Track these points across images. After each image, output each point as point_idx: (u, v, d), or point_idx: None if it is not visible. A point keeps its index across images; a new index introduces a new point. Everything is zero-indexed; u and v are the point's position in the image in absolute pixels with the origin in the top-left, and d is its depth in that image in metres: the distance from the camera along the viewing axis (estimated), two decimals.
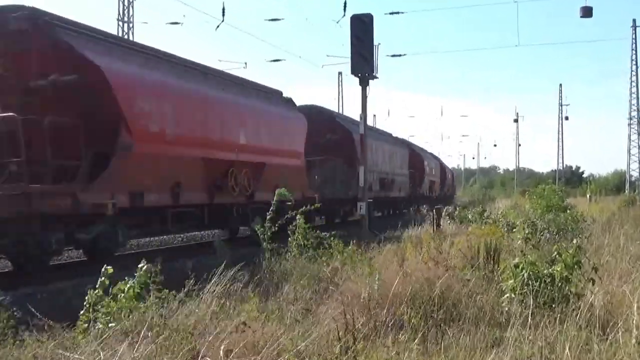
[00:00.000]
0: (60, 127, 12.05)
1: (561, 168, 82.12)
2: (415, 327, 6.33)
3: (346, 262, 9.91)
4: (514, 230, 14.08)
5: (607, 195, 51.95)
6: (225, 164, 16.68)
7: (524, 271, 7.23)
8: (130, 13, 39.59)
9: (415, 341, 5.99)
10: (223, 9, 34.08)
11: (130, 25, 39.60)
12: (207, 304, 6.94)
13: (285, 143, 20.66)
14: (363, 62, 20.89)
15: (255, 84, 20.44)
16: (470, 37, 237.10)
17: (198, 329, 5.95)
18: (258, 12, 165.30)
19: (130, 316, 6.13)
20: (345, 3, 33.17)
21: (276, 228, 10.68)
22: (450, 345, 5.96)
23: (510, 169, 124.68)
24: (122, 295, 6.48)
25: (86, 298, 6.54)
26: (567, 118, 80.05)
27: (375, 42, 21.25)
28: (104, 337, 5.70)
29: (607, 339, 5.84)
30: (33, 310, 6.54)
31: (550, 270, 7.25)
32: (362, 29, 20.62)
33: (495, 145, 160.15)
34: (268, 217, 10.73)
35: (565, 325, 6.05)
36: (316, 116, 25.37)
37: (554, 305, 6.80)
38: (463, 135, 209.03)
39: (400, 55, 37.58)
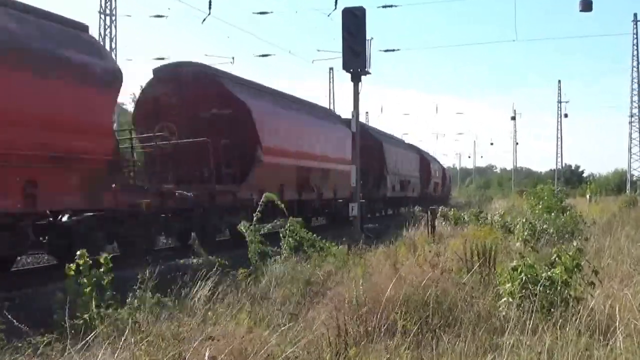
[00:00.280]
0: (224, 145, 18.12)
1: (560, 167, 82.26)
2: (409, 333, 6.32)
3: (337, 264, 9.91)
4: (512, 231, 14.10)
5: (608, 195, 52.12)
6: (308, 170, 23.27)
7: (522, 274, 7.24)
8: (113, 5, 39.57)
9: (409, 347, 5.99)
10: (209, 2, 33.78)
11: (113, 18, 39.53)
12: (193, 309, 6.93)
13: (340, 153, 26.31)
14: (355, 57, 20.86)
15: (322, 107, 28.04)
16: (467, 32, 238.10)
17: (183, 334, 5.93)
18: (246, 5, 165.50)
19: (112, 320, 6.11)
20: None
21: (265, 230, 10.69)
22: (445, 351, 5.96)
23: (508, 168, 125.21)
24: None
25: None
26: (566, 115, 79.98)
27: (368, 37, 21.20)
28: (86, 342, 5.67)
29: (607, 344, 5.85)
30: None
31: (549, 273, 7.26)
32: (354, 22, 20.59)
33: (492, 144, 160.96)
34: (255, 217, 10.71)
35: (564, 331, 6.06)
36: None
37: (552, 310, 6.81)
38: (459, 134, 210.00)
39: (393, 50, 37.54)
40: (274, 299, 8.26)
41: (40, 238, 12.85)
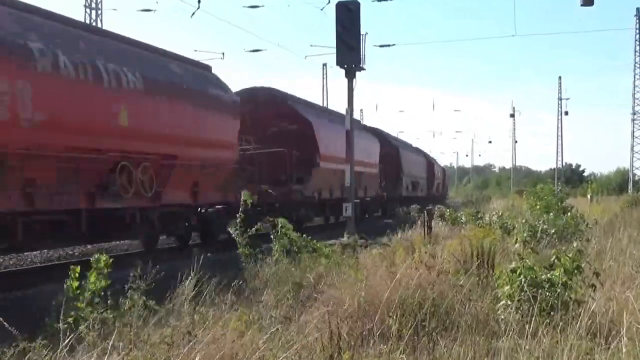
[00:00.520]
0: (294, 154, 23.87)
1: (560, 166, 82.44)
2: (404, 337, 6.33)
3: (331, 266, 9.92)
4: (511, 232, 14.12)
5: (609, 195, 52.25)
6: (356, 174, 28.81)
7: (521, 276, 7.25)
8: None
9: (405, 352, 5.99)
10: None
11: (99, 12, 39.45)
12: (182, 313, 6.92)
13: (370, 158, 33.27)
14: (349, 53, 20.88)
15: (355, 120, 31.00)
16: (465, 27, 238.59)
17: (172, 339, 5.92)
18: None
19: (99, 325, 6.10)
20: None
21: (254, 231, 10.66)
22: (442, 355, 5.97)
23: (507, 167, 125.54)
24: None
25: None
26: (566, 113, 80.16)
27: (362, 31, 21.24)
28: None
29: (609, 348, 5.86)
30: None
31: (549, 275, 7.27)
32: (348, 17, 20.60)
33: (490, 142, 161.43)
34: (238, 219, 10.67)
35: (565, 334, 6.07)
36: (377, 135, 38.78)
37: (552, 313, 6.82)
38: (456, 131, 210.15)
39: (389, 46, 37.81)
40: (265, 301, 8.26)
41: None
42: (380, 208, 38.98)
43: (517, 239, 12.30)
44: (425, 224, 18.04)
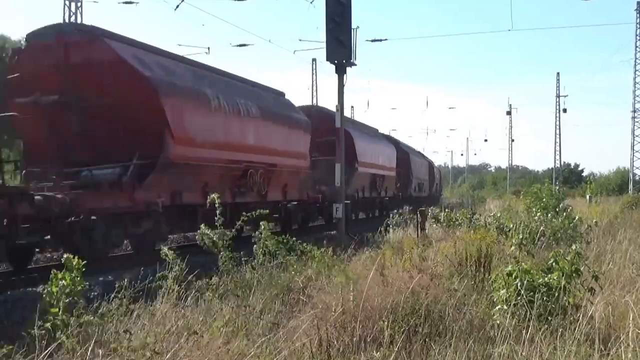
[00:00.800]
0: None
1: (558, 166, 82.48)
2: (396, 343, 6.33)
3: (320, 270, 9.90)
4: (507, 234, 14.13)
5: (609, 195, 52.46)
6: (374, 175, 37.36)
7: (517, 280, 7.26)
8: None
9: (397, 358, 5.99)
10: None
11: (79, 4, 39.29)
12: (163, 318, 6.89)
13: (391, 163, 41.71)
14: (340, 48, 20.89)
15: (373, 127, 43.94)
16: (459, 21, 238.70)
17: (155, 346, 5.90)
18: None
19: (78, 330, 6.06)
20: None
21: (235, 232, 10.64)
22: None
23: (503, 166, 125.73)
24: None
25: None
26: (565, 110, 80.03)
27: (354, 25, 21.27)
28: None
29: (608, 354, 5.89)
30: None
31: (546, 279, 7.29)
32: (338, 10, 20.60)
33: (486, 141, 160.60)
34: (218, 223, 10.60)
35: (562, 340, 6.08)
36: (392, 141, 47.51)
37: (550, 318, 6.83)
38: (451, 129, 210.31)
39: (381, 40, 37.50)
40: (252, 306, 8.24)
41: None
42: (396, 207, 42.83)
43: (513, 241, 12.30)
44: (419, 225, 18.05)
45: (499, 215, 18.76)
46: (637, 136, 64.70)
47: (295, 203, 25.69)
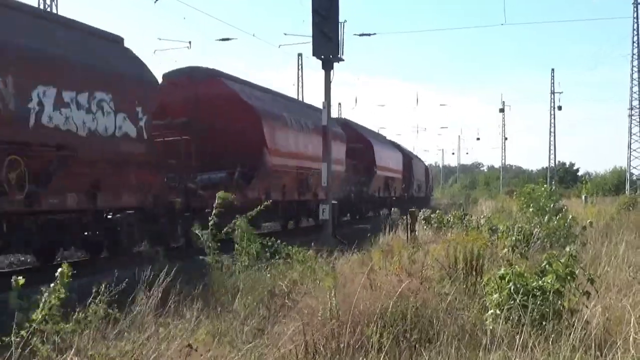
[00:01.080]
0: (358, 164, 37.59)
1: (553, 165, 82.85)
2: (385, 348, 6.33)
3: (305, 273, 9.90)
4: (500, 236, 14.15)
5: (605, 196, 52.62)
6: (387, 177, 44.11)
7: (510, 283, 7.27)
8: None
9: None
10: None
11: None
12: (143, 324, 6.88)
13: (398, 166, 48.17)
14: (326, 42, 20.92)
15: (382, 135, 53.25)
16: (451, 14, 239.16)
17: (136, 354, 5.89)
18: None
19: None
20: None
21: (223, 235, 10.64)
22: None
23: (496, 165, 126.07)
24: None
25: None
26: (559, 108, 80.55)
27: (341, 19, 21.32)
28: None
29: None
30: None
31: (540, 282, 7.30)
32: (325, 3, 20.62)
33: (478, 139, 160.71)
34: (211, 223, 10.61)
35: (557, 346, 6.10)
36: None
37: (544, 323, 6.85)
38: (441, 127, 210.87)
39: (369, 35, 37.53)
40: (235, 311, 8.22)
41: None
42: (402, 205, 50.54)
43: (505, 243, 12.33)
44: (408, 227, 18.05)
45: (491, 216, 18.82)
46: (634, 134, 65.06)
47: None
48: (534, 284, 7.28)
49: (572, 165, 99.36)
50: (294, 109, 27.88)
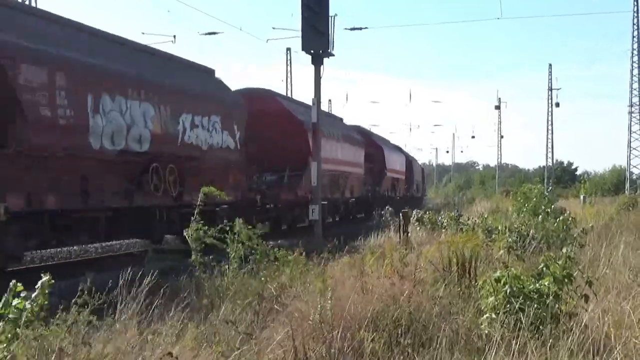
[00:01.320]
0: (372, 167, 44.62)
1: (551, 164, 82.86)
2: (377, 354, 6.34)
3: (293, 276, 9.90)
4: (495, 237, 14.17)
5: (604, 196, 52.75)
6: (393, 179, 50.84)
7: (506, 286, 7.29)
8: None
9: None
10: None
11: None
12: (126, 327, 6.86)
13: (402, 168, 54.10)
14: (316, 37, 20.91)
15: (388, 140, 58.92)
16: (445, 8, 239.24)
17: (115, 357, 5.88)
18: None
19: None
20: None
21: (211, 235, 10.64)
22: None
23: (491, 164, 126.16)
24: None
25: None
26: (557, 104, 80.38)
27: (331, 13, 21.31)
28: None
29: None
30: None
31: (537, 285, 7.32)
32: None
33: (473, 137, 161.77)
34: (193, 220, 10.61)
35: (555, 350, 6.12)
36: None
37: (541, 327, 6.86)
38: (435, 125, 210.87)
39: (361, 29, 37.71)
40: (222, 315, 8.21)
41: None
42: (405, 204, 54.99)
43: (501, 244, 12.36)
44: (401, 228, 18.04)
45: (486, 216, 18.85)
46: (634, 132, 64.80)
47: (354, 200, 38.39)
48: (530, 286, 7.29)
49: (570, 164, 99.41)
50: (327, 121, 32.65)
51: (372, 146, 44.02)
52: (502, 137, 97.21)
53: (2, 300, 6.40)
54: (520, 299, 7.11)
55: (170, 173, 18.26)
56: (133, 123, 16.54)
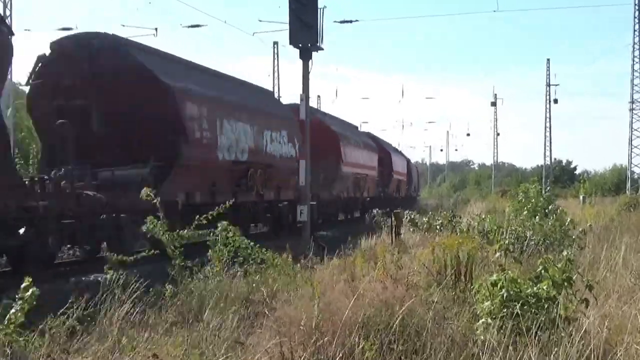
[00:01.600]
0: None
1: (549, 163, 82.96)
2: None
3: (281, 279, 9.89)
4: (491, 239, 14.18)
5: (605, 196, 52.90)
6: (396, 179, 56.18)
7: (503, 290, 7.28)
8: None
9: None
10: None
11: None
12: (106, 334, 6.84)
13: (404, 170, 60.73)
14: (304, 30, 20.88)
15: (390, 144, 64.43)
16: (439, 1, 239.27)
17: None
18: None
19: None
20: None
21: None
22: None
23: (487, 163, 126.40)
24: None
25: None
26: (555, 101, 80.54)
27: (320, 5, 21.27)
28: None
29: None
30: None
31: (535, 289, 7.31)
32: None
33: (468, 135, 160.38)
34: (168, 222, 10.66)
35: (554, 357, 6.12)
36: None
37: (539, 332, 6.86)
38: (429, 122, 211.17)
39: (351, 22, 37.84)
40: (207, 321, 8.18)
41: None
42: (407, 203, 58.66)
43: (498, 246, 12.36)
44: (393, 229, 18.04)
45: (482, 217, 18.85)
46: (635, 130, 64.72)
47: (369, 199, 44.31)
48: (528, 290, 7.28)
49: (569, 163, 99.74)
50: (350, 131, 42.14)
51: (382, 151, 50.76)
52: (498, 134, 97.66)
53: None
54: (518, 303, 7.11)
55: (259, 177, 24.13)
56: (239, 139, 22.68)
